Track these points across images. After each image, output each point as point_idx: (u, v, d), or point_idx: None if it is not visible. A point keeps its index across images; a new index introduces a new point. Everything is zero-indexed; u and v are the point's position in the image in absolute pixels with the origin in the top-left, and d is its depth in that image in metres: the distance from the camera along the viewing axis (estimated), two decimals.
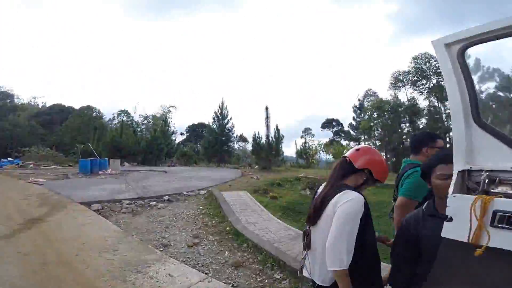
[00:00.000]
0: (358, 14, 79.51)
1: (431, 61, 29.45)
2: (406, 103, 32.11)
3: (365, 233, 1.27)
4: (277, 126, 17.84)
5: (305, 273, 1.45)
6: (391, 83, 33.67)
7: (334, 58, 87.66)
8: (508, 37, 0.93)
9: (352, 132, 38.91)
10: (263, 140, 17.31)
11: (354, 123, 38.74)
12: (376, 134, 35.31)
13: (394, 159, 32.16)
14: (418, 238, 1.19)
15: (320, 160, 25.13)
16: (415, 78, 30.84)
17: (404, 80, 32.17)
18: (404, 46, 64.46)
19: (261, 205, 6.93)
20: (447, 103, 27.49)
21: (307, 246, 1.43)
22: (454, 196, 1.02)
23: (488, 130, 1.05)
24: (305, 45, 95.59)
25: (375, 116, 33.85)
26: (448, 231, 1.00)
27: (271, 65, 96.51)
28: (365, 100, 38.15)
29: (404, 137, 32.35)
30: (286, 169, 19.04)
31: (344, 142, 36.57)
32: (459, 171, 1.08)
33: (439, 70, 28.55)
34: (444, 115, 28.88)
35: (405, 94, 32.89)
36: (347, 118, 71.50)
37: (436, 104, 30.00)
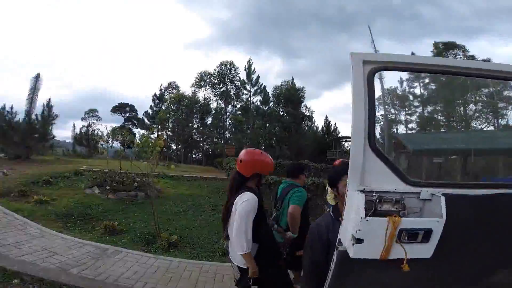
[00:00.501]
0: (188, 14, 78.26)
1: (231, 70, 35.19)
2: (202, 101, 36.31)
3: (260, 223, 1.79)
4: (49, 101, 12.84)
5: (229, 258, 1.94)
6: (196, 81, 36.52)
7: (146, 45, 78.31)
8: (422, 72, 0.99)
9: (146, 121, 37.60)
10: (20, 117, 11.71)
11: (150, 112, 37.69)
12: (170, 126, 36.86)
13: (183, 150, 35.53)
14: (330, 242, 1.23)
15: (109, 149, 21.50)
16: (216, 81, 35.52)
17: (207, 81, 36.08)
18: (223, 52, 72.55)
19: (20, 215, 4.81)
20: (230, 106, 36.22)
21: (227, 237, 1.90)
22: (367, 220, 0.99)
23: (378, 155, 1.13)
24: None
25: (173, 108, 35.25)
26: (360, 252, 1.03)
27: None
28: (166, 92, 38.42)
29: (193, 131, 36.49)
30: (56, 159, 14.28)
31: (136, 130, 34.47)
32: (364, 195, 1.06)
33: (234, 79, 35.35)
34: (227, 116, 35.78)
35: (203, 94, 37.08)
36: (142, 105, 68.02)
37: (223, 106, 36.57)
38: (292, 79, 36.16)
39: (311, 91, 65.36)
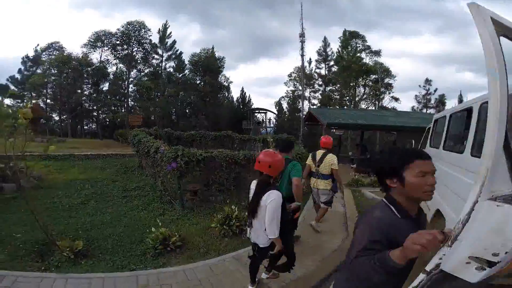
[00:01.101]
0: None
1: (141, 31, 29.64)
2: (98, 64, 29.39)
3: (283, 214, 2.26)
4: None
5: (251, 239, 2.47)
6: (89, 41, 28.75)
7: None
8: None
9: (13, 87, 28.06)
10: None
11: (19, 76, 28.26)
12: (50, 93, 28.90)
13: (71, 121, 28.81)
14: (398, 244, 0.97)
15: None
16: (118, 42, 29.14)
17: (106, 41, 29.11)
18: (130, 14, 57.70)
19: None
20: (134, 71, 30.13)
21: (250, 224, 2.39)
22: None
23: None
24: None
25: (55, 72, 27.19)
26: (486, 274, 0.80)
27: None
28: (45, 53, 29.10)
29: (83, 98, 29.86)
30: None
31: None
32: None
33: (143, 41, 29.56)
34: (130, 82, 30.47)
35: (99, 56, 29.91)
36: (7, 70, 49.49)
37: (125, 70, 30.76)
38: (213, 47, 34.50)
39: (229, 63, 62.55)
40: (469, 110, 3.02)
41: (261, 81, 66.72)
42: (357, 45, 31.07)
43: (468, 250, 0.85)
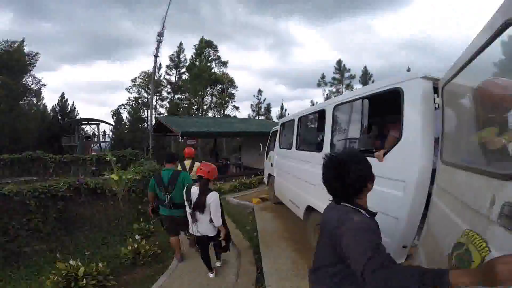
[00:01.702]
0: None
1: None
2: None
3: (221, 208, 2.97)
4: None
5: (193, 232, 2.99)
6: None
7: None
8: None
9: None
10: None
11: None
12: None
13: None
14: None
15: None
16: None
17: None
18: None
19: None
20: None
21: (195, 221, 2.90)
22: None
23: None
24: None
25: None
26: None
27: None
28: None
29: None
30: None
31: None
32: None
33: None
34: None
35: None
36: None
37: None
38: (23, 40, 26.39)
39: (47, 62, 49.50)
40: (321, 112, 3.37)
41: (94, 86, 55.18)
42: (210, 54, 32.43)
43: None
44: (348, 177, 1.14)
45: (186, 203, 2.93)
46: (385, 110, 2.79)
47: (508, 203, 0.90)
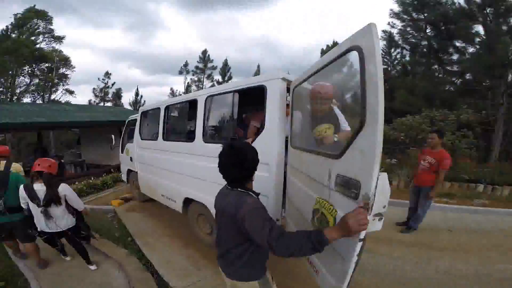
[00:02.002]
0: None
1: None
2: None
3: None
4: None
5: (51, 229, 2.77)
6: None
7: None
8: None
9: None
10: None
11: None
12: None
13: None
14: None
15: None
16: None
17: None
18: None
19: None
20: None
21: (49, 218, 2.72)
22: None
23: None
24: None
25: None
26: None
27: None
28: None
29: None
30: None
31: None
32: None
33: None
34: None
35: None
36: None
37: None
38: None
39: None
40: (193, 102, 3.31)
41: None
42: (38, 26, 22.62)
43: (373, 211, 1.12)
44: (245, 163, 1.29)
45: (30, 203, 2.69)
46: (250, 103, 3.17)
47: (339, 175, 1.32)
